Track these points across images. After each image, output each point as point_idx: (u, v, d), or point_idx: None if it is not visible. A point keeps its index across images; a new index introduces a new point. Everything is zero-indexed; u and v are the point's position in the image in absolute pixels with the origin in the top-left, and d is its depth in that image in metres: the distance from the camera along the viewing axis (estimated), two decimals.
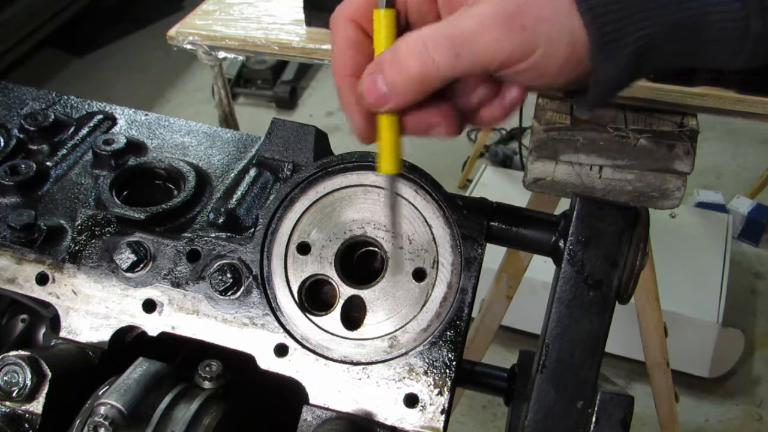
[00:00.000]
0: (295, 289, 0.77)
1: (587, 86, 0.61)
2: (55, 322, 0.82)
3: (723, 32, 0.57)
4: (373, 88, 0.60)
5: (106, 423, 0.62)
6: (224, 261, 0.78)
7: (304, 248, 0.77)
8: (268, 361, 0.75)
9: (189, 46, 1.80)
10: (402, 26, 0.63)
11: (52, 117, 0.99)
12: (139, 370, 0.69)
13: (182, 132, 1.01)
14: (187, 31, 1.79)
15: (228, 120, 2.10)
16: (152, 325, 0.78)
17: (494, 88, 0.65)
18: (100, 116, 1.04)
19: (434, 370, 0.73)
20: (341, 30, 0.62)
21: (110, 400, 0.64)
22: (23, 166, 0.92)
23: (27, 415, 0.72)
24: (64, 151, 0.97)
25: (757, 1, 0.55)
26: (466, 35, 0.57)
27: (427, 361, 0.73)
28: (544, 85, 0.61)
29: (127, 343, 0.81)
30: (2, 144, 0.98)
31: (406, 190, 0.77)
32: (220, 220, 0.85)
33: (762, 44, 0.57)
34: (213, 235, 0.82)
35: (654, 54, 0.59)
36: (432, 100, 0.62)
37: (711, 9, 0.56)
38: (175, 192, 0.90)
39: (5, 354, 0.71)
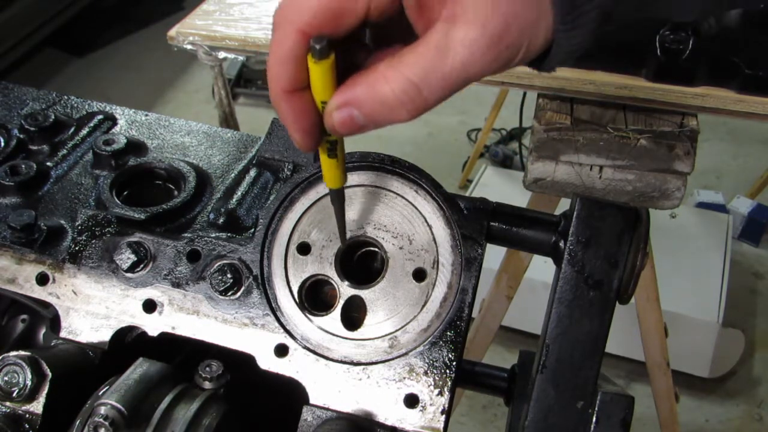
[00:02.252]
0: (295, 290, 0.77)
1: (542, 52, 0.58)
2: (55, 323, 0.82)
3: None
4: (349, 122, 0.57)
5: (106, 423, 0.62)
6: (224, 261, 0.78)
7: (304, 248, 0.77)
8: (268, 362, 0.75)
9: (189, 47, 1.80)
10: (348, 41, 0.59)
11: (53, 117, 0.99)
12: (139, 370, 0.69)
13: (182, 132, 1.01)
14: (187, 31, 1.79)
15: (228, 120, 2.10)
16: (152, 326, 0.78)
17: None
18: (100, 116, 1.04)
19: (434, 371, 0.73)
20: (286, 39, 0.55)
21: (110, 400, 0.64)
22: (23, 166, 0.92)
23: (27, 416, 0.72)
24: (65, 152, 0.97)
25: None
26: (458, 71, 0.54)
27: (427, 361, 0.73)
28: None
29: (128, 343, 0.81)
30: (2, 144, 0.98)
31: (407, 190, 0.77)
32: (221, 221, 0.85)
33: None
34: (213, 235, 0.82)
35: (615, 12, 0.57)
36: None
37: None
38: (176, 192, 0.90)
39: (5, 354, 0.71)
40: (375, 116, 0.56)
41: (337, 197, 0.71)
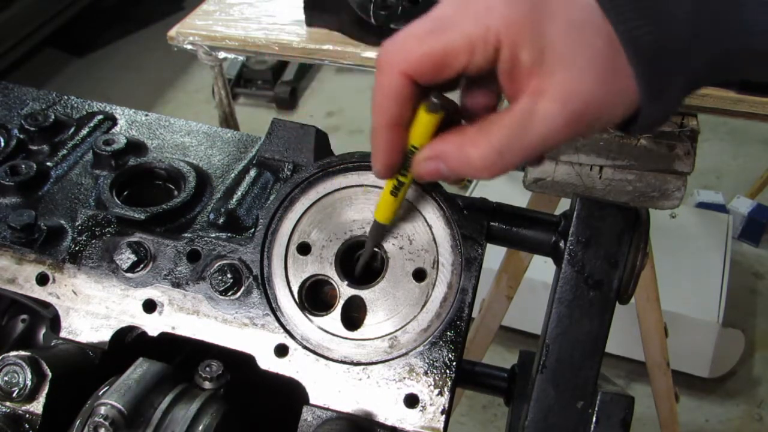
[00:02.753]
0: (295, 290, 0.77)
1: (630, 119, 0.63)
2: (55, 323, 0.82)
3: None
4: (434, 173, 0.64)
5: (107, 423, 0.62)
6: (224, 261, 0.78)
7: (304, 248, 0.77)
8: (268, 362, 0.75)
9: (189, 47, 1.80)
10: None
11: (53, 117, 0.99)
12: (139, 370, 0.69)
13: (182, 132, 1.01)
14: (187, 31, 1.79)
15: (228, 120, 2.10)
16: (152, 326, 0.78)
17: None
18: (100, 116, 1.04)
19: (434, 371, 0.73)
20: (391, 80, 0.60)
21: (110, 400, 0.64)
22: (23, 166, 0.92)
23: (27, 416, 0.72)
24: (65, 152, 0.97)
25: None
26: (537, 142, 0.59)
27: (427, 361, 0.73)
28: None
29: (128, 343, 0.81)
30: (2, 144, 0.98)
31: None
32: (221, 221, 0.85)
33: None
34: (213, 235, 0.82)
35: (701, 83, 0.61)
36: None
37: (755, 37, 0.57)
38: (176, 192, 0.90)
39: (5, 354, 0.71)
40: (459, 172, 0.63)
41: (378, 232, 0.74)
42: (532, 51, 0.57)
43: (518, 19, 0.57)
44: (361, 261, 0.76)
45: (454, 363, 0.73)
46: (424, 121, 0.62)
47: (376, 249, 0.77)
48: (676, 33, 0.57)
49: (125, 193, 0.91)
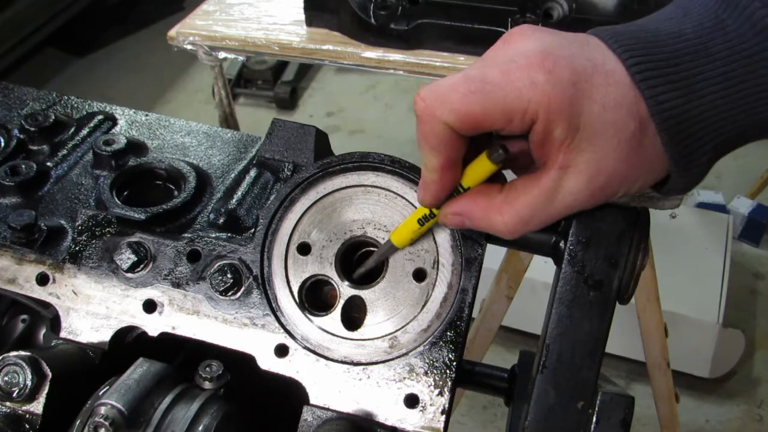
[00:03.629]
0: (295, 290, 0.77)
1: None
2: (55, 323, 0.82)
3: None
4: (458, 224, 0.69)
5: (107, 423, 0.62)
6: (224, 261, 0.78)
7: (304, 248, 0.77)
8: (268, 362, 0.75)
9: (189, 47, 1.80)
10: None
11: (53, 117, 0.99)
12: (139, 370, 0.69)
13: (182, 132, 1.01)
14: (187, 31, 1.79)
15: (228, 120, 2.10)
16: (153, 326, 0.78)
17: None
18: (100, 117, 1.04)
19: (434, 371, 0.73)
20: (438, 127, 0.62)
21: (110, 400, 0.64)
22: (23, 166, 0.92)
23: (27, 416, 0.72)
24: (65, 152, 0.97)
25: None
26: (560, 211, 0.64)
27: (427, 361, 0.73)
28: None
29: (128, 343, 0.81)
30: (3, 144, 0.98)
31: (407, 190, 0.77)
32: (221, 221, 0.85)
33: None
34: (213, 235, 0.82)
35: (731, 149, 0.63)
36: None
37: None
38: (176, 192, 0.90)
39: (6, 354, 0.71)
40: (482, 229, 0.68)
41: (388, 252, 0.75)
42: (567, 129, 0.60)
43: (559, 98, 0.58)
44: (362, 270, 0.76)
45: (455, 363, 0.73)
46: (484, 167, 0.65)
47: (376, 249, 0.77)
48: (707, 102, 0.59)
49: (125, 193, 0.91)
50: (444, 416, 0.72)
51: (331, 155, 0.81)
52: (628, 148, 0.60)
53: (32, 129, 0.98)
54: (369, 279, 0.76)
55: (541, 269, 1.66)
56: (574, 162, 0.61)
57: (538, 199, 0.63)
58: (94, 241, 0.82)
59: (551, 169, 0.62)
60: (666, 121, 0.59)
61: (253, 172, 0.90)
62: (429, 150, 0.63)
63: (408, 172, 0.77)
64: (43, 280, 0.81)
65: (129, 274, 0.79)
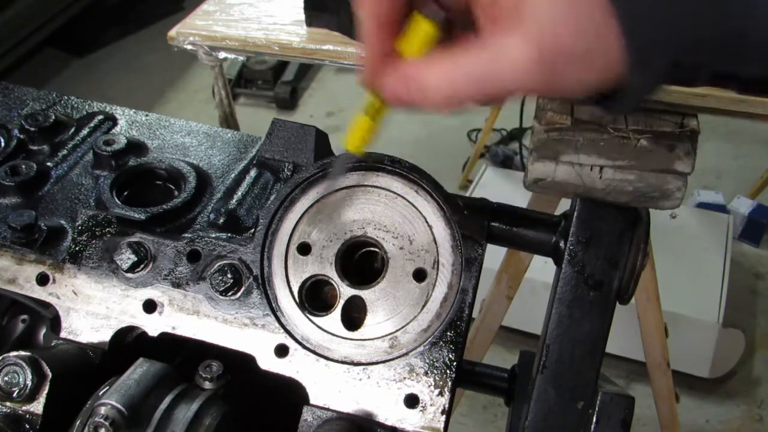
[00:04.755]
0: (295, 290, 0.77)
1: (612, 93, 0.59)
2: (55, 323, 0.82)
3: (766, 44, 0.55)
4: (396, 97, 0.61)
5: (107, 423, 0.62)
6: (225, 261, 0.78)
7: (304, 249, 0.77)
8: (268, 362, 0.75)
9: (189, 47, 1.80)
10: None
11: (53, 117, 0.99)
12: (139, 370, 0.69)
13: (183, 132, 1.01)
14: (187, 31, 1.79)
15: (228, 120, 2.10)
16: (153, 326, 0.78)
17: None
18: (100, 117, 1.04)
19: (435, 371, 0.73)
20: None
21: (111, 400, 0.64)
22: (24, 166, 0.92)
23: (27, 416, 0.72)
24: (65, 152, 0.97)
25: None
26: (495, 81, 0.56)
27: (427, 361, 0.73)
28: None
29: (128, 343, 0.81)
30: (3, 144, 0.98)
31: (407, 190, 0.77)
32: (221, 221, 0.85)
33: None
34: (213, 235, 0.82)
35: (692, 63, 0.58)
36: None
37: (755, 19, 0.54)
38: (176, 192, 0.90)
39: (6, 354, 0.71)
40: (416, 99, 0.59)
41: (344, 165, 0.73)
42: None
43: None
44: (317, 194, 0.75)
45: (455, 363, 0.73)
46: (421, 30, 0.58)
47: (376, 249, 0.77)
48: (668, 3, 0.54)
49: (125, 193, 0.91)
50: (444, 416, 0.72)
51: (331, 155, 0.81)
52: (584, 22, 0.54)
53: (32, 129, 0.98)
54: (369, 279, 0.76)
55: (541, 269, 1.66)
56: (524, 27, 0.55)
57: (477, 60, 0.56)
58: (94, 241, 0.82)
59: (496, 31, 0.56)
60: (627, 6, 0.54)
61: (253, 172, 0.90)
62: (363, 10, 0.58)
63: (408, 172, 0.77)
64: (43, 280, 0.81)
65: (129, 274, 0.79)
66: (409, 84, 0.59)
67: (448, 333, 0.74)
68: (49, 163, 0.95)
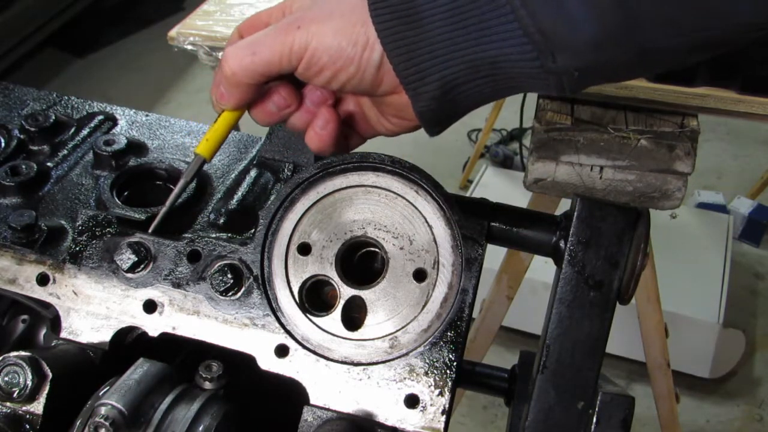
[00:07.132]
0: (295, 290, 0.77)
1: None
2: (55, 323, 0.82)
3: (522, 69, 0.64)
4: (216, 93, 0.76)
5: (107, 423, 0.62)
6: (225, 261, 0.78)
7: (304, 249, 0.77)
8: (268, 362, 0.75)
9: (190, 47, 1.80)
10: None
11: (53, 117, 0.99)
12: (139, 370, 0.69)
13: (183, 132, 1.01)
14: (187, 31, 1.79)
15: None
16: (153, 326, 0.78)
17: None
18: (100, 117, 1.04)
19: (435, 371, 0.73)
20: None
21: (111, 400, 0.64)
22: (24, 166, 0.92)
23: (28, 416, 0.72)
24: (65, 152, 0.97)
25: (543, 42, 0.61)
26: (255, 41, 0.71)
27: (427, 361, 0.73)
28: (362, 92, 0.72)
29: (128, 343, 0.81)
30: (3, 144, 0.98)
31: (407, 190, 0.77)
32: (221, 221, 0.85)
33: (562, 77, 0.63)
34: (213, 235, 0.82)
35: (460, 89, 0.67)
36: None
37: (506, 50, 0.63)
38: None
39: (6, 354, 0.71)
40: (221, 83, 0.75)
41: (199, 166, 0.82)
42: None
43: None
44: (170, 200, 0.82)
45: (455, 363, 0.73)
46: (222, 118, 0.81)
47: (377, 249, 0.77)
48: (435, 34, 0.64)
49: (126, 193, 0.91)
50: (444, 416, 0.72)
51: (331, 155, 0.80)
52: (348, 29, 0.66)
53: (32, 129, 0.98)
54: (369, 279, 0.76)
55: (541, 269, 1.66)
56: (304, 24, 0.68)
57: (269, 30, 0.70)
58: (94, 242, 0.82)
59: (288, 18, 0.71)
60: (393, 49, 0.65)
61: (253, 173, 0.90)
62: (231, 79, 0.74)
63: (408, 172, 0.77)
64: (43, 280, 0.81)
65: (129, 275, 0.79)
66: (218, 80, 0.75)
67: (449, 333, 0.74)
68: (49, 164, 0.95)
